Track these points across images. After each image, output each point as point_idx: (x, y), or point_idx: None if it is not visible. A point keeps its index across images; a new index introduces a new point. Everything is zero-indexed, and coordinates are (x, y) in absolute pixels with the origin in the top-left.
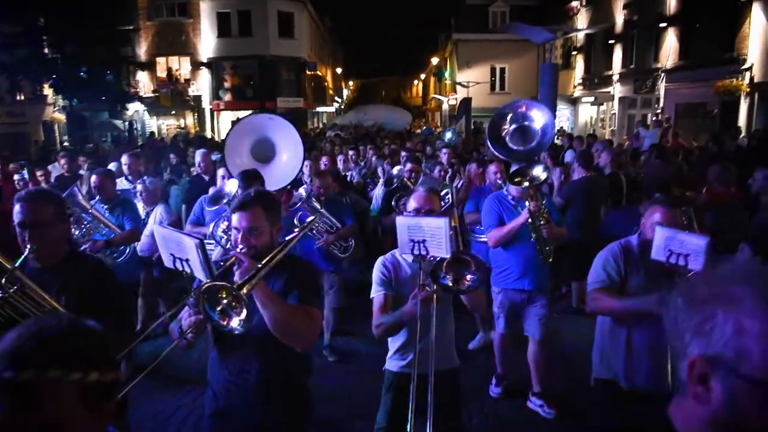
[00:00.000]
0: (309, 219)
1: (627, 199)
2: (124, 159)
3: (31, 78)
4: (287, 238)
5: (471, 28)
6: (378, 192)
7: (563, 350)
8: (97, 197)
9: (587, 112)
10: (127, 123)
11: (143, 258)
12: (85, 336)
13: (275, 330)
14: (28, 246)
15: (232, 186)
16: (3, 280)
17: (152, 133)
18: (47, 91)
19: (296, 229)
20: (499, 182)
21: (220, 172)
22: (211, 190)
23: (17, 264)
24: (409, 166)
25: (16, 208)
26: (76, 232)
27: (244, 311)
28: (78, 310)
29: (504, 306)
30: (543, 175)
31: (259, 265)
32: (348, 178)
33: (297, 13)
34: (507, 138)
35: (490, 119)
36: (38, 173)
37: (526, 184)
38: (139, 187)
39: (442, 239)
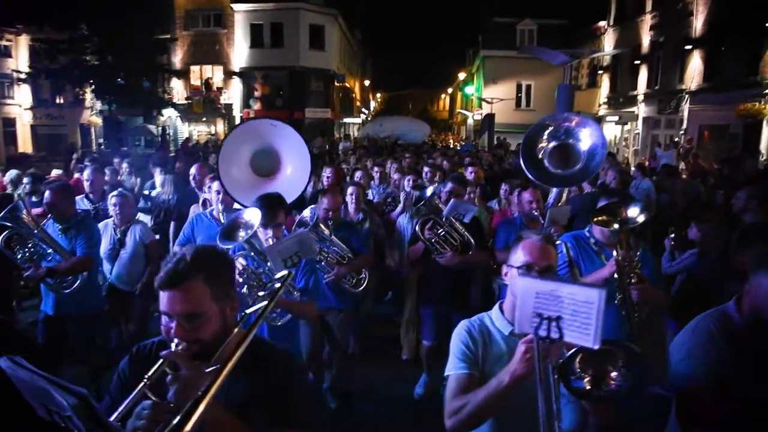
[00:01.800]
0: (281, 275)
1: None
2: (86, 174)
3: (73, 83)
4: (248, 311)
5: (498, 45)
6: (404, 221)
7: None
8: (50, 216)
9: (611, 131)
10: (160, 128)
11: (119, 287)
12: None
13: None
14: None
15: (252, 216)
16: None
17: (187, 138)
18: (85, 95)
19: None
20: (534, 214)
21: (215, 186)
22: (194, 209)
23: None
24: (450, 186)
25: None
26: (19, 255)
27: None
28: None
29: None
30: (641, 218)
31: (209, 369)
32: (369, 197)
33: (328, 25)
34: (544, 158)
35: (525, 133)
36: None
37: (616, 226)
38: (112, 200)
39: (590, 320)
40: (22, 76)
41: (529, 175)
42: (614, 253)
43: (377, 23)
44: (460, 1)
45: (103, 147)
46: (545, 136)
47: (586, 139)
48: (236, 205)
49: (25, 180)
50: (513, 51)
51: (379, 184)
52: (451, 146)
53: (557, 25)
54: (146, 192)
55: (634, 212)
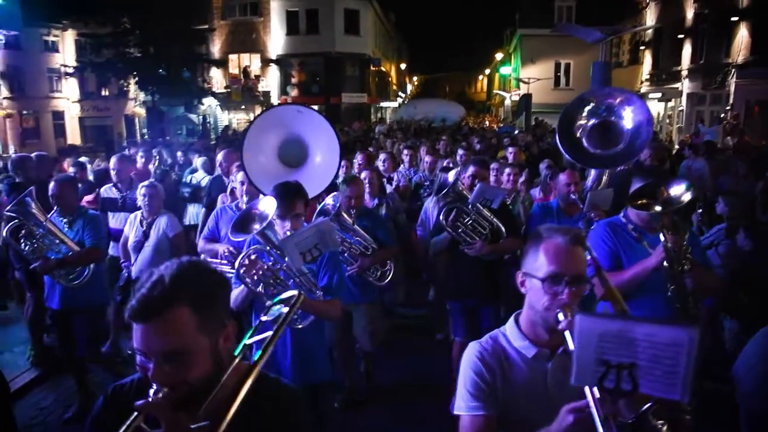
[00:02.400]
0: (289, 294)
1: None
2: (113, 162)
3: (117, 75)
4: (247, 340)
5: (535, 23)
6: (429, 205)
7: None
8: (56, 208)
9: (654, 108)
10: (201, 117)
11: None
12: None
13: None
14: None
15: (267, 206)
16: None
17: (226, 126)
18: (129, 87)
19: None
20: (573, 197)
21: (239, 176)
22: (222, 200)
23: None
24: (472, 170)
25: None
26: (26, 248)
27: None
28: None
29: None
30: (686, 196)
31: (198, 426)
32: (395, 182)
33: (362, 10)
34: (583, 136)
35: (563, 109)
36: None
37: (658, 208)
38: (141, 191)
39: (678, 367)
40: (70, 70)
41: (567, 155)
42: (661, 238)
43: (412, 6)
44: None
45: (146, 137)
46: (585, 113)
47: (629, 116)
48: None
49: (72, 170)
50: (550, 29)
51: (410, 168)
52: (488, 128)
53: (596, 0)
54: (187, 179)
55: (677, 191)
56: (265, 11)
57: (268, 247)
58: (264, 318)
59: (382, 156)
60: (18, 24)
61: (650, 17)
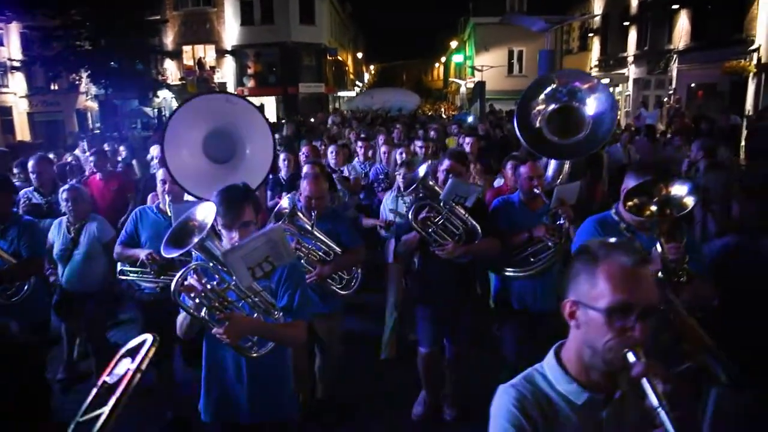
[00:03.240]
0: (138, 341)
1: (610, 179)
2: (31, 164)
3: (68, 69)
4: (86, 417)
5: (488, 11)
6: (387, 201)
7: None
8: None
9: None
10: (156, 110)
11: (69, 290)
12: None
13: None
14: None
15: (205, 213)
16: None
17: None
18: (80, 80)
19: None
20: (536, 191)
21: (159, 174)
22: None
23: None
24: (447, 164)
25: None
26: None
27: None
28: None
29: None
30: (689, 201)
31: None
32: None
33: (317, 0)
34: (541, 124)
35: (521, 95)
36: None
37: (654, 209)
38: (63, 195)
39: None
40: (16, 64)
41: (525, 145)
42: (658, 248)
43: None
44: None
45: (99, 131)
46: (543, 97)
47: (592, 101)
48: (188, 197)
49: (15, 170)
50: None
51: (365, 161)
52: (444, 116)
53: None
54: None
55: (679, 190)
56: (218, 1)
57: (211, 263)
58: (105, 378)
59: (331, 148)
60: None
61: (598, 5)
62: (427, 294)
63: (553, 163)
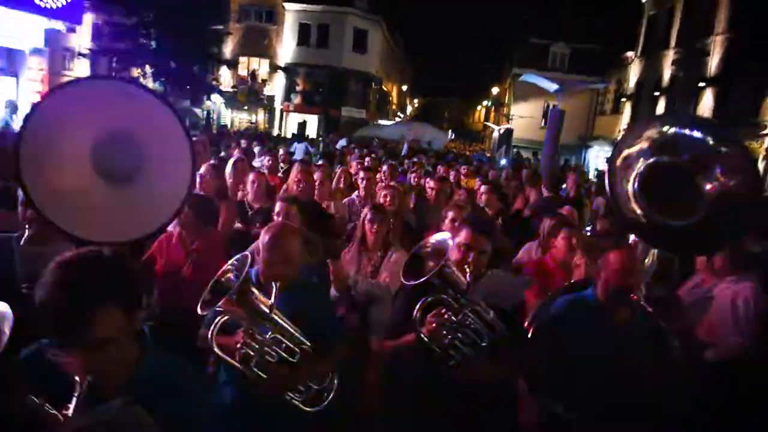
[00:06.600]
0: None
1: None
2: None
3: (133, 64)
4: None
5: (531, 64)
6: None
7: None
8: None
9: None
10: (204, 112)
11: None
12: None
13: None
14: None
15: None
16: None
17: (225, 125)
18: (136, 74)
19: None
20: (631, 296)
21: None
22: None
23: None
24: (465, 235)
25: None
26: None
27: None
28: None
29: None
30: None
31: None
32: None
33: (371, 30)
34: (633, 187)
35: (620, 137)
36: None
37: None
38: None
39: None
40: (85, 51)
41: (623, 218)
42: None
43: (421, 31)
44: (502, 19)
45: None
46: (645, 149)
47: (723, 165)
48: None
49: None
50: (545, 72)
51: (365, 198)
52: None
53: (590, 50)
54: None
55: None
56: (279, 20)
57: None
58: None
59: (316, 175)
60: (80, 18)
61: (634, 73)
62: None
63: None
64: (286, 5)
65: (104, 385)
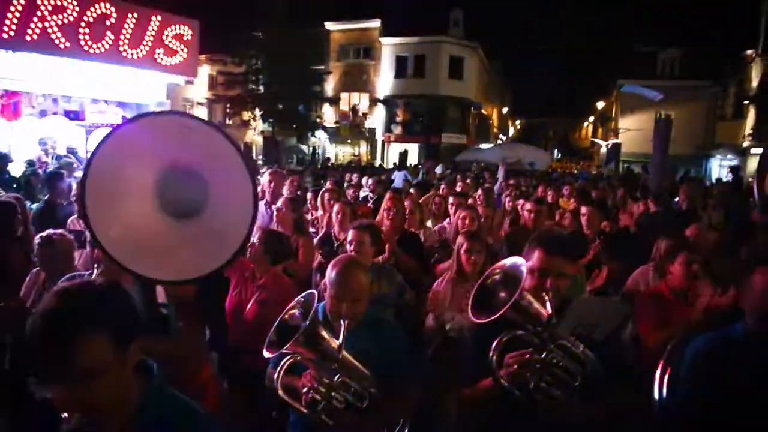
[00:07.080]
0: None
1: None
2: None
3: (244, 109)
4: None
5: (638, 74)
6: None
7: None
8: None
9: (754, 164)
10: (311, 148)
11: None
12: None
13: None
14: None
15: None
16: None
17: (328, 158)
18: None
19: None
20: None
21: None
22: None
23: None
24: (538, 256)
25: None
26: None
27: None
28: None
29: None
30: None
31: None
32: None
33: (467, 57)
34: None
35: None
36: None
37: None
38: None
39: None
40: (202, 100)
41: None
42: None
43: (518, 51)
44: (604, 30)
45: (261, 162)
46: None
47: None
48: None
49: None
50: (653, 80)
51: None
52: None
53: (702, 53)
54: None
55: None
56: (376, 55)
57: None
58: None
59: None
60: (196, 72)
61: (756, 72)
62: None
63: None
64: (383, 40)
65: (98, 423)
